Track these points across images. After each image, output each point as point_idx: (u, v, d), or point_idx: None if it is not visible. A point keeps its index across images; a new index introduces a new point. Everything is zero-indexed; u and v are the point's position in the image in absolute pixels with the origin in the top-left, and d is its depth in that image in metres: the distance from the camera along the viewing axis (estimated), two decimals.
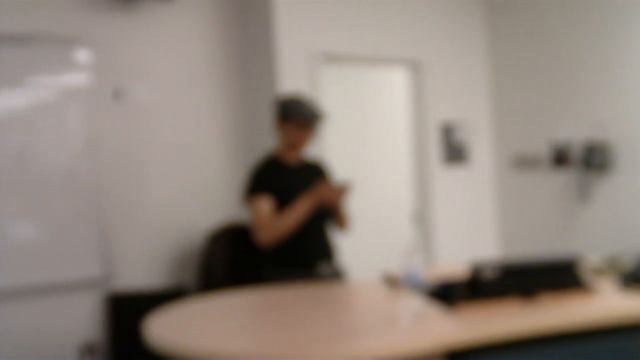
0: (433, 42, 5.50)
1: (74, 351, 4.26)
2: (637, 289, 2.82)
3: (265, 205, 3.45)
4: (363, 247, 5.12)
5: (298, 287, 3.27)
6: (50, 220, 4.17)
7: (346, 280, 3.66)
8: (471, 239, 5.67)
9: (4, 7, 4.07)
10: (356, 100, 5.97)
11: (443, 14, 5.57)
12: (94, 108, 4.34)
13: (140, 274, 4.51)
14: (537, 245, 5.40)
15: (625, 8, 4.73)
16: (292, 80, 4.65)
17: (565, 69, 5.17)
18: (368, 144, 6.05)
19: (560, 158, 5.19)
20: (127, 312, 4.28)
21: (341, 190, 3.44)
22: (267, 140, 4.32)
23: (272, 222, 3.41)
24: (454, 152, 5.60)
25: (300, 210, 3.39)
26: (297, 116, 3.56)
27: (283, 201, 3.46)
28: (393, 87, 6.04)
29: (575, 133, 5.08)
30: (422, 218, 5.49)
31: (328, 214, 3.60)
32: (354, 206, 3.95)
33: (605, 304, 2.70)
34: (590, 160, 4.89)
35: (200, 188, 4.78)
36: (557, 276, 2.80)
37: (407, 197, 5.67)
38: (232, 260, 4.33)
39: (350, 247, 4.32)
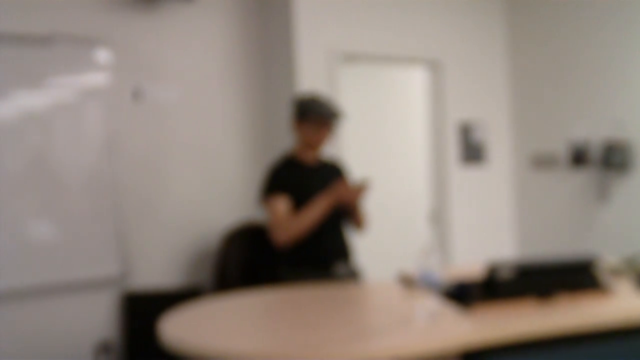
0: (452, 42, 5.48)
1: (89, 350, 4.29)
2: None
3: (281, 205, 3.45)
4: (379, 246, 5.12)
5: (314, 287, 3.27)
6: (68, 219, 4.20)
7: (362, 280, 3.66)
8: (488, 239, 5.65)
9: (25, 8, 4.11)
10: (374, 99, 5.97)
11: (462, 14, 5.54)
12: (113, 108, 4.37)
13: (156, 273, 4.54)
14: (554, 246, 5.37)
15: None
16: (310, 80, 4.65)
17: (584, 68, 5.14)
18: (386, 143, 6.04)
19: (578, 157, 5.15)
20: (142, 311, 4.30)
21: (358, 190, 3.43)
22: (285, 139, 4.32)
23: (289, 222, 3.41)
24: (472, 152, 5.58)
25: (317, 209, 3.39)
26: (315, 115, 3.55)
27: (300, 201, 3.46)
28: (411, 86, 6.04)
29: (594, 132, 5.04)
30: (439, 218, 5.47)
31: (345, 214, 3.60)
32: (371, 206, 3.95)
33: (622, 304, 2.68)
34: (609, 160, 4.85)
35: (217, 188, 4.80)
36: (574, 276, 2.79)
37: (424, 197, 5.66)
38: (248, 260, 4.33)
39: (366, 246, 4.32)
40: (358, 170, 4.14)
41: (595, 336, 2.47)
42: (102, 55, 4.33)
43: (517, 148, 5.76)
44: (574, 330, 2.43)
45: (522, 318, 2.48)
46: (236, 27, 4.91)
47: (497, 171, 5.74)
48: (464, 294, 2.70)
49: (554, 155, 5.39)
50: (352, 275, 3.60)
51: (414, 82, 5.92)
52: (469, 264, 3.57)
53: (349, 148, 4.88)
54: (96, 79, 4.31)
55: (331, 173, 3.72)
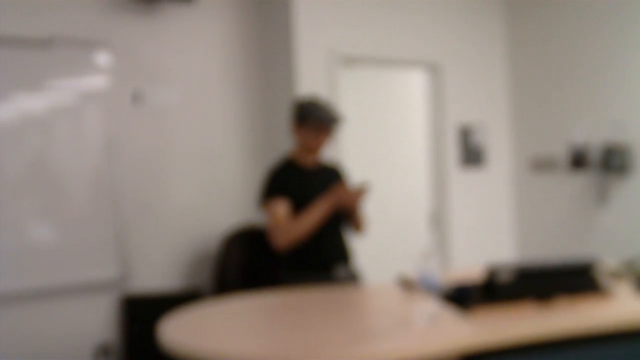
0: (451, 45, 5.48)
1: (88, 352, 4.28)
2: None
3: (281, 208, 3.45)
4: (379, 249, 5.12)
5: (313, 290, 3.27)
6: (67, 222, 4.20)
7: (362, 283, 3.66)
8: (488, 241, 5.65)
9: (25, 11, 4.11)
10: (374, 102, 5.97)
11: (462, 17, 5.55)
12: (112, 111, 4.37)
13: (156, 276, 4.54)
14: (554, 248, 5.37)
15: None
16: (310, 83, 4.65)
17: (584, 71, 5.14)
18: (385, 146, 6.04)
19: (578, 160, 5.15)
20: (142, 314, 4.30)
21: (358, 193, 3.43)
22: (285, 142, 4.32)
23: (288, 225, 3.41)
24: (472, 155, 5.58)
25: (316, 213, 3.39)
26: (314, 119, 3.55)
27: (299, 204, 3.46)
28: (411, 89, 6.04)
29: (593, 135, 5.05)
30: (439, 220, 5.47)
31: (344, 217, 3.60)
32: (371, 208, 3.95)
33: (622, 307, 2.68)
34: (608, 163, 4.85)
35: (217, 191, 4.80)
36: (573, 279, 2.79)
37: (424, 200, 5.66)
38: (248, 263, 4.33)
39: (366, 249, 4.32)
40: (358, 173, 4.14)
41: (595, 339, 2.47)
42: (102, 58, 4.33)
43: (517, 151, 5.77)
44: (573, 333, 2.43)
45: (521, 321, 2.47)
46: (236, 30, 4.92)
47: (497, 174, 5.74)
48: (464, 297, 2.70)
49: (553, 158, 5.39)
50: (352, 278, 3.59)
51: (414, 85, 5.92)
52: (469, 266, 3.57)
53: (349, 151, 4.88)
54: (96, 81, 4.32)
55: (331, 176, 3.72)
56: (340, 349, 2.25)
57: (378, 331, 2.54)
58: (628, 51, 4.80)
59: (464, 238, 5.47)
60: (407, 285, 3.10)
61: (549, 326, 2.43)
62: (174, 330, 2.56)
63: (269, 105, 4.96)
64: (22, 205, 4.08)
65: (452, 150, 5.48)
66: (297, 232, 3.39)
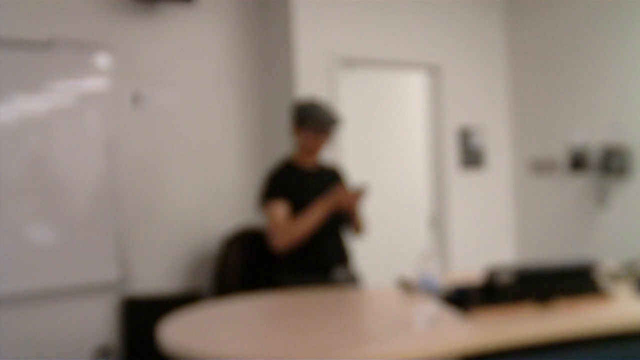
0: (451, 46, 5.48)
1: (88, 355, 4.28)
2: None
3: (280, 210, 3.45)
4: (379, 251, 5.12)
5: (313, 292, 3.27)
6: (67, 224, 4.20)
7: (361, 285, 3.66)
8: (488, 243, 5.65)
9: (24, 13, 4.11)
10: (374, 104, 5.97)
11: (462, 18, 5.55)
12: (112, 113, 4.37)
13: (155, 278, 4.54)
14: (554, 250, 5.37)
15: None
16: (310, 85, 4.65)
17: (583, 73, 5.14)
18: (385, 148, 6.04)
19: (578, 162, 5.16)
20: (141, 315, 4.30)
21: (357, 195, 3.43)
22: (284, 144, 4.33)
23: (287, 227, 3.41)
24: (471, 157, 5.58)
25: (315, 214, 3.39)
26: (313, 121, 3.55)
27: (299, 206, 3.46)
28: (411, 91, 6.04)
29: (593, 137, 5.05)
30: (438, 222, 5.47)
31: (343, 219, 3.60)
32: (371, 210, 3.95)
33: (621, 309, 2.68)
34: (608, 165, 4.86)
35: (216, 193, 4.80)
36: (573, 281, 2.78)
37: (423, 202, 5.66)
38: (247, 265, 4.33)
39: (366, 251, 4.32)
40: (357, 175, 4.14)
41: (595, 341, 2.46)
42: (102, 59, 4.33)
43: (517, 153, 5.77)
44: (573, 335, 2.43)
45: (521, 323, 2.47)
46: (236, 32, 4.92)
47: (497, 176, 5.74)
48: (463, 299, 2.70)
49: (553, 160, 5.39)
50: (352, 280, 3.59)
51: (414, 87, 5.93)
52: (468, 268, 3.57)
53: (349, 153, 4.88)
54: (95, 83, 4.31)
55: (330, 178, 3.72)
56: (340, 350, 2.24)
57: (377, 333, 2.54)
58: (628, 53, 4.80)
59: (463, 240, 5.47)
60: (407, 287, 3.10)
61: (549, 328, 2.43)
62: (173, 332, 2.56)
63: (269, 107, 4.95)
64: (21, 207, 4.08)
65: (451, 152, 5.48)
66: (295, 233, 3.39)
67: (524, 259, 5.65)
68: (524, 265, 2.78)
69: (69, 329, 4.22)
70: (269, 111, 4.95)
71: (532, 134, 5.63)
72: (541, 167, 5.51)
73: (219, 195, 4.80)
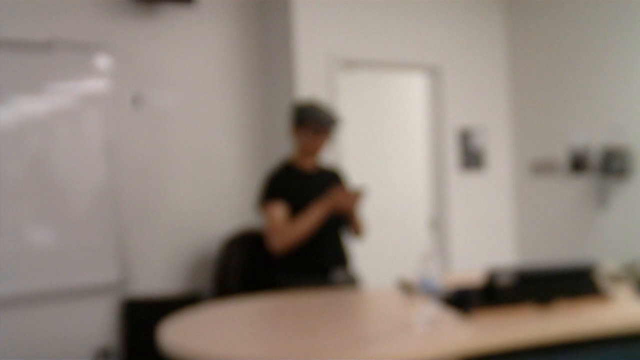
0: (451, 48, 5.48)
1: (88, 356, 4.28)
2: None
3: (279, 211, 3.44)
4: (379, 253, 5.11)
5: (312, 293, 3.27)
6: (67, 225, 4.20)
7: (361, 287, 3.65)
8: (488, 245, 5.64)
9: (24, 14, 4.12)
10: (373, 105, 5.97)
11: (462, 20, 5.55)
12: (112, 114, 4.37)
13: (155, 279, 4.54)
14: (554, 252, 5.37)
15: None
16: (310, 86, 4.65)
17: (584, 74, 5.14)
18: (385, 149, 6.04)
19: (578, 164, 5.15)
20: (141, 317, 4.30)
21: (356, 196, 3.43)
22: (284, 146, 4.32)
23: (286, 229, 3.41)
24: (472, 158, 5.58)
25: (314, 216, 3.38)
26: (313, 121, 3.55)
27: (298, 207, 3.46)
28: (411, 92, 6.03)
29: (593, 138, 5.04)
30: (438, 224, 5.47)
31: (343, 220, 3.59)
32: (371, 212, 3.95)
33: (622, 311, 2.68)
34: (608, 166, 4.85)
35: (216, 194, 4.80)
36: (573, 283, 2.78)
37: (423, 203, 5.66)
38: (247, 266, 4.33)
39: (366, 253, 4.31)
40: (357, 176, 4.13)
41: (595, 342, 2.46)
42: (102, 61, 4.33)
43: (517, 154, 5.76)
44: (573, 337, 2.43)
45: (521, 324, 2.47)
46: (236, 33, 4.92)
47: (497, 177, 5.74)
48: (464, 300, 2.70)
49: (553, 161, 5.39)
50: (351, 282, 3.59)
51: (414, 88, 5.92)
52: (469, 270, 3.56)
53: (348, 154, 4.88)
54: (96, 85, 4.32)
55: (329, 179, 3.71)
56: (340, 352, 2.24)
57: (377, 334, 2.54)
58: (628, 54, 4.80)
59: (463, 241, 5.46)
60: (407, 288, 3.10)
61: (549, 329, 2.43)
62: (173, 333, 2.56)
63: (269, 109, 4.96)
64: (22, 208, 4.08)
65: (452, 154, 5.48)
66: (293, 235, 3.38)
67: (524, 260, 5.64)
68: (524, 266, 2.78)
69: (69, 330, 4.22)
70: (269, 112, 4.95)
71: (533, 135, 5.62)
72: (541, 168, 5.51)
73: (219, 197, 4.80)
